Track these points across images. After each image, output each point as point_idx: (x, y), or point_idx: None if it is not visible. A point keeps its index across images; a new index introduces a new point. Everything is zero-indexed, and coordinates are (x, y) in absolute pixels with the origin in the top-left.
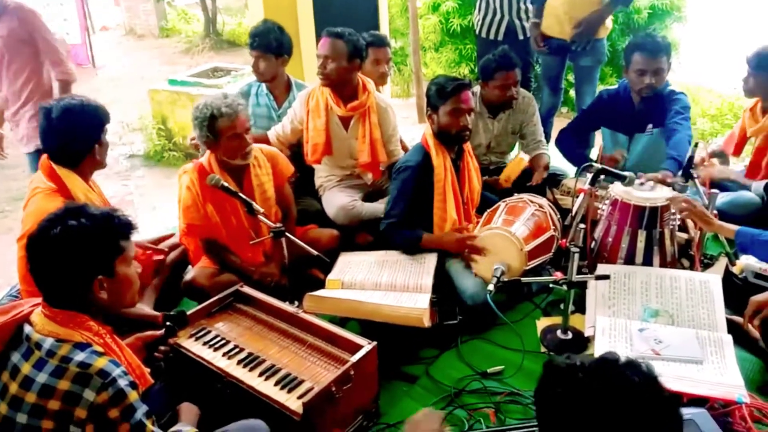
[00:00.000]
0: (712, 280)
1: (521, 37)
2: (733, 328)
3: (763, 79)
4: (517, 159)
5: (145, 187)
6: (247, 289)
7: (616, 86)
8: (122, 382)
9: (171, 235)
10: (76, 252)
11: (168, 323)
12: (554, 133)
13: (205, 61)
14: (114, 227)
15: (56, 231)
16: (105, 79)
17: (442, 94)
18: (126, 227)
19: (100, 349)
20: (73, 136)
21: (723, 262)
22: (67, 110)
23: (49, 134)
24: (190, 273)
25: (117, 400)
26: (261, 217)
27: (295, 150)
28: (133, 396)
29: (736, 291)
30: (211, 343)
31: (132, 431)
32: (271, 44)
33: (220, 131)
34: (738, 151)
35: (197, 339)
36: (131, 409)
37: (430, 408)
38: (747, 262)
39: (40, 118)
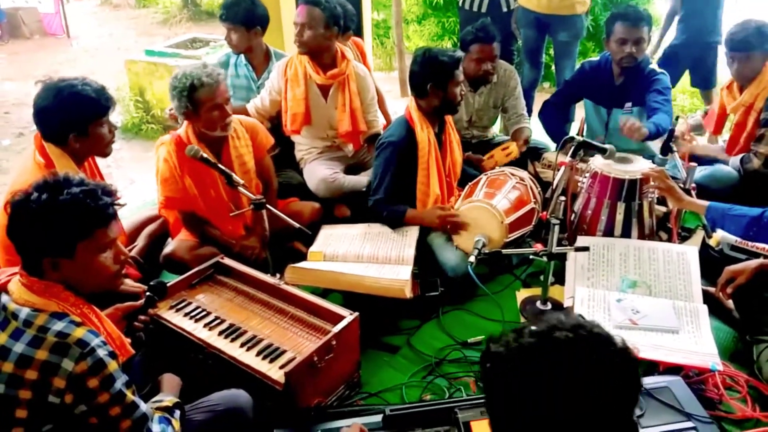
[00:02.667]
0: (689, 251)
1: (505, 10)
2: (708, 298)
3: (745, 58)
4: (509, 149)
5: (122, 160)
6: (228, 261)
7: (598, 57)
8: (101, 352)
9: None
10: (37, 227)
11: (147, 293)
12: (536, 107)
13: (183, 32)
14: (86, 210)
15: (30, 200)
16: (80, 50)
17: (450, 70)
18: (101, 214)
19: (77, 318)
20: (64, 115)
21: (700, 234)
22: (62, 89)
23: (41, 109)
24: (170, 246)
25: (96, 370)
26: (241, 189)
27: (276, 123)
28: (113, 366)
29: (713, 263)
30: (192, 314)
31: (112, 401)
32: (240, 16)
33: (200, 102)
34: (718, 129)
35: (178, 310)
36: (111, 379)
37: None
38: (723, 234)
39: (36, 94)
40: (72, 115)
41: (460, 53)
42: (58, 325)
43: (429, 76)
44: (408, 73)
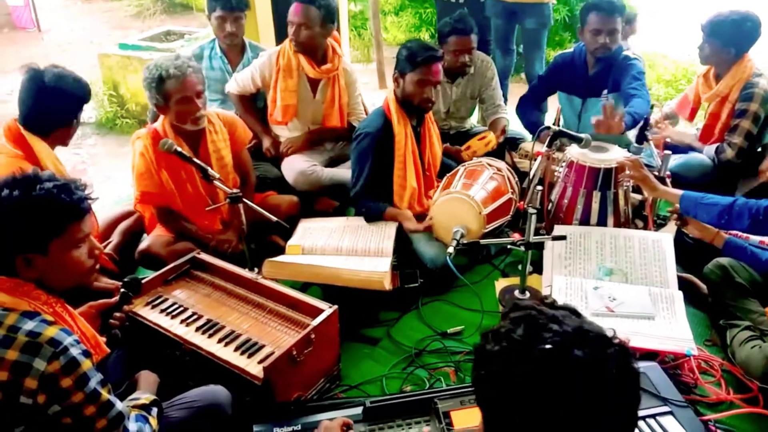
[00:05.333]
0: (664, 239)
1: (482, 0)
2: (683, 285)
3: (717, 47)
4: (486, 139)
5: (97, 156)
6: (204, 256)
7: (571, 50)
8: (74, 351)
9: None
10: (8, 224)
11: (122, 290)
12: (510, 96)
13: (157, 24)
14: (60, 206)
15: (0, 197)
16: (52, 44)
17: (412, 61)
18: (74, 209)
19: (50, 317)
20: (59, 104)
21: (674, 223)
22: (60, 77)
23: (33, 97)
24: (146, 241)
25: (69, 369)
26: (217, 183)
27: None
28: (87, 365)
29: (687, 250)
30: (169, 310)
31: (86, 400)
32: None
33: (169, 94)
34: (692, 116)
35: (154, 307)
36: (85, 378)
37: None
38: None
39: (25, 80)
40: (67, 106)
41: (440, 53)
42: (29, 325)
43: (397, 63)
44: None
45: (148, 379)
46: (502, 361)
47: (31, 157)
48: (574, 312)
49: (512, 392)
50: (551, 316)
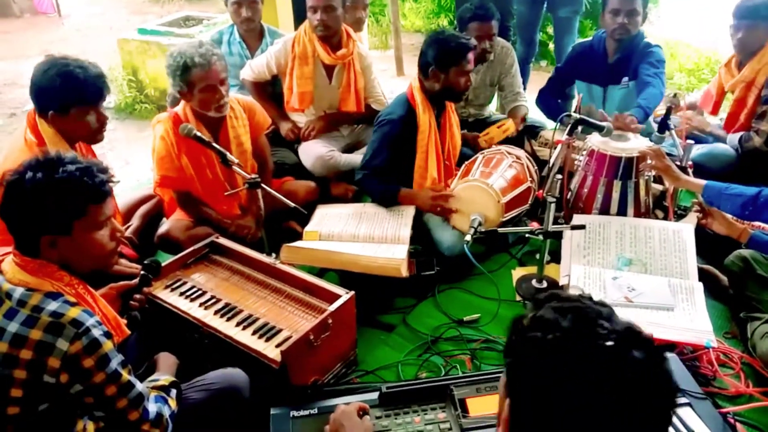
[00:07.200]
0: (684, 230)
1: None
2: (704, 276)
3: (749, 27)
4: (504, 126)
5: (117, 141)
6: (223, 241)
7: (590, 39)
8: (96, 332)
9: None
10: (33, 205)
11: (142, 272)
12: (529, 85)
13: (176, 10)
14: (83, 188)
15: (24, 179)
16: (72, 29)
17: (455, 56)
18: (96, 191)
19: (72, 299)
20: (46, 89)
21: (695, 214)
22: (53, 65)
23: (32, 82)
24: (165, 225)
25: (91, 349)
26: (236, 168)
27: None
28: (108, 346)
29: (708, 241)
30: (188, 293)
31: (107, 380)
32: None
33: (193, 82)
34: (716, 109)
35: (173, 290)
36: (106, 359)
37: (345, 405)
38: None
39: (37, 67)
40: (56, 93)
41: (473, 42)
42: (53, 305)
43: (434, 59)
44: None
45: (167, 361)
46: (554, 350)
47: (42, 144)
48: (612, 310)
49: (562, 383)
50: (597, 311)
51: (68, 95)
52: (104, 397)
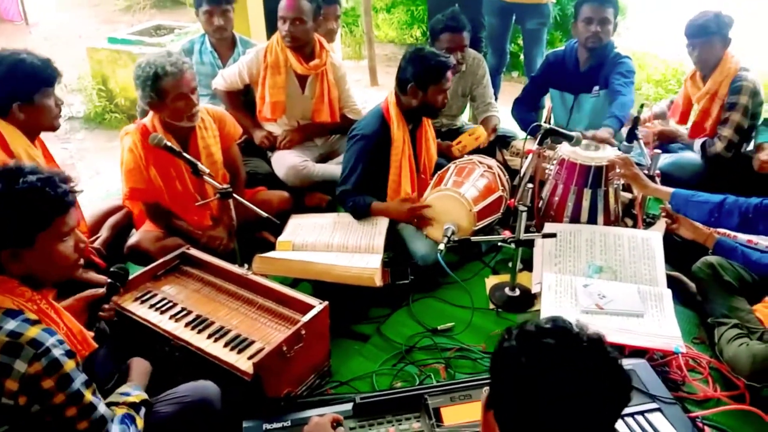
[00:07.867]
0: (653, 237)
1: None
2: (672, 283)
3: (704, 44)
4: (476, 134)
5: (86, 151)
6: (194, 252)
7: (562, 48)
8: (57, 352)
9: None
10: None
11: (109, 280)
12: (501, 95)
13: (146, 19)
14: (45, 199)
15: None
16: (39, 38)
17: (435, 75)
18: (60, 202)
19: (33, 316)
20: (5, 84)
21: (664, 220)
22: (4, 57)
23: None
24: (135, 236)
25: (51, 370)
26: (207, 178)
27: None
28: (70, 365)
29: (676, 248)
30: (158, 306)
31: (68, 401)
32: None
33: (165, 91)
34: (684, 119)
35: (143, 302)
36: (67, 379)
37: (319, 416)
38: None
39: None
40: (17, 83)
41: (452, 60)
42: (11, 324)
43: (413, 75)
44: (397, 67)
45: (140, 368)
46: (538, 347)
47: (2, 143)
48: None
49: (546, 374)
50: (570, 322)
51: (29, 81)
52: (64, 419)
